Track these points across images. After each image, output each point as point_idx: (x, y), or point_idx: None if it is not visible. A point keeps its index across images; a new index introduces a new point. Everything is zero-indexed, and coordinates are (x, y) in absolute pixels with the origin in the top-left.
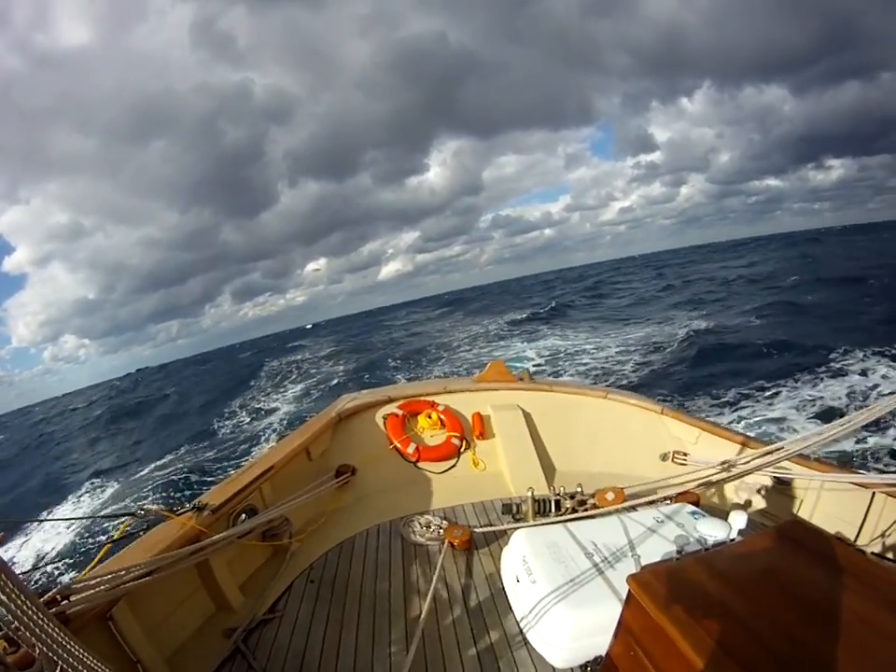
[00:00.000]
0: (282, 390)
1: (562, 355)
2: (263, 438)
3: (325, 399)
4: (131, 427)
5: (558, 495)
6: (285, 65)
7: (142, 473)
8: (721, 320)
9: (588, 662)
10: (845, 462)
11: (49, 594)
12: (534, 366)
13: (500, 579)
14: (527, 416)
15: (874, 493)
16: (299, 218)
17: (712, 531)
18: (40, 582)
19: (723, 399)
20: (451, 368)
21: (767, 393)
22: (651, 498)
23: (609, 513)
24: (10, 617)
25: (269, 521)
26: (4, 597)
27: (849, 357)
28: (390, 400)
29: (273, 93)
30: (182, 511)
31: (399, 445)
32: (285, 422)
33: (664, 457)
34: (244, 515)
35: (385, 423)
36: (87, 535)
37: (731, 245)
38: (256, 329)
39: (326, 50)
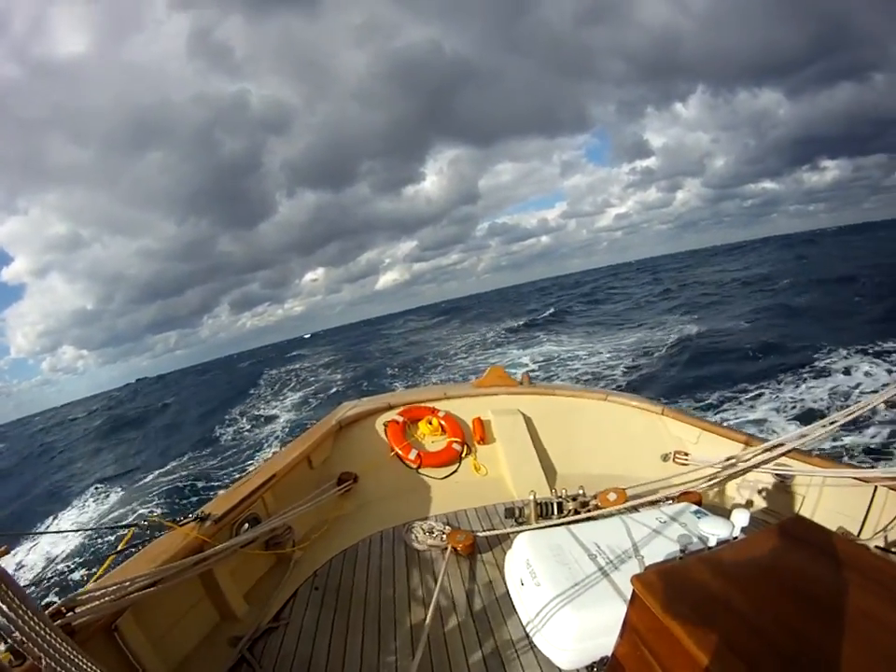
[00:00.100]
0: (281, 398)
1: (555, 360)
2: (266, 444)
3: (324, 407)
4: (132, 437)
5: (560, 497)
6: (281, 76)
7: (146, 480)
8: (712, 324)
9: (594, 663)
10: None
11: (55, 605)
12: (528, 372)
13: (504, 582)
14: (528, 420)
15: (875, 487)
16: (297, 228)
17: (715, 530)
18: (53, 580)
19: (706, 402)
20: (448, 375)
21: (749, 395)
22: (653, 499)
23: (612, 514)
24: (15, 629)
25: (272, 530)
26: (9, 610)
27: (833, 356)
28: (390, 407)
29: (270, 104)
30: (185, 521)
31: (400, 452)
32: (286, 429)
33: (665, 458)
34: (246, 524)
35: (385, 430)
36: (95, 535)
37: (727, 248)
38: (254, 340)
39: (322, 61)
